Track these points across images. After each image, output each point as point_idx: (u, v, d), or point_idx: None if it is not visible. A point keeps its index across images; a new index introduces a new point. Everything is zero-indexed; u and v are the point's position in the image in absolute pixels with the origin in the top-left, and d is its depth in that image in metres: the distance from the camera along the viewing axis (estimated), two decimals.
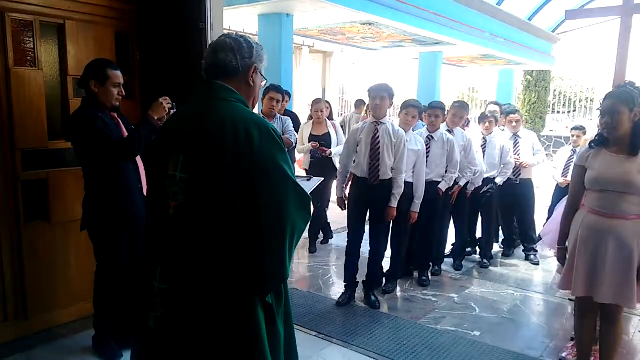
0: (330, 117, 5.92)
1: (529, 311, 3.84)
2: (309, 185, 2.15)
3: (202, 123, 1.51)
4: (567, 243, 2.71)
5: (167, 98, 2.66)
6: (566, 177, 4.98)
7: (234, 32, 1.78)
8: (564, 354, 3.07)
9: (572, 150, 5.18)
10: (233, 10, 6.28)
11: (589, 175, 2.54)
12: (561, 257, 2.76)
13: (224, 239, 1.47)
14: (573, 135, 5.27)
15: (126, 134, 2.71)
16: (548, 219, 4.31)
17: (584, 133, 5.24)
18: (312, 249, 5.15)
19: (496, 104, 5.62)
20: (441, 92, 11.29)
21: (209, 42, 3.09)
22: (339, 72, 14.63)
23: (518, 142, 5.05)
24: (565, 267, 2.70)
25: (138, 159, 2.74)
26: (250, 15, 6.69)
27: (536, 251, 5.12)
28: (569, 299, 3.85)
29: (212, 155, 1.47)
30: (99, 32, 3.20)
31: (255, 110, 4.63)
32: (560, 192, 5.04)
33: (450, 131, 4.44)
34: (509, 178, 4.87)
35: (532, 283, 4.50)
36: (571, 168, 4.92)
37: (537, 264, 5.00)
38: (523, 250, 5.24)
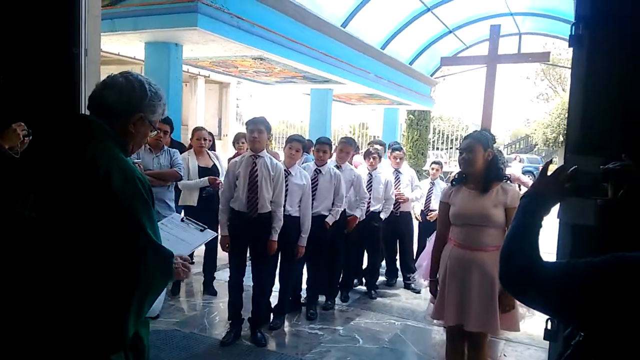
0: (212, 148, 5.82)
1: (408, 340, 4.01)
2: (201, 238, 1.90)
3: (60, 161, 1.38)
4: (437, 275, 2.88)
5: (22, 124, 2.41)
6: (428, 205, 5.48)
7: (132, 70, 1.62)
8: None
9: (430, 182, 5.67)
10: (117, 36, 6.01)
11: (452, 211, 2.76)
12: (433, 289, 2.92)
13: (67, 294, 1.32)
14: (432, 169, 5.76)
15: None
16: (421, 249, 4.60)
17: (442, 167, 5.83)
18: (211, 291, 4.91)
19: (379, 142, 5.95)
20: (332, 128, 11.75)
21: (82, 68, 2.89)
22: (235, 103, 14.57)
23: (399, 177, 5.39)
24: (437, 297, 2.86)
25: None
26: (137, 43, 6.45)
27: (414, 279, 5.42)
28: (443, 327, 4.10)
29: (64, 197, 1.34)
30: None
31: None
32: (425, 224, 5.53)
33: (338, 167, 4.59)
34: (391, 211, 5.14)
35: (412, 312, 4.71)
36: (432, 198, 5.46)
37: (419, 292, 5.28)
38: (403, 280, 5.51)
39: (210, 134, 5.94)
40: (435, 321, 3.18)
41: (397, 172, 5.42)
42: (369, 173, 5.04)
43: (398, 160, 5.43)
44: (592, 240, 1.73)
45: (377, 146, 5.58)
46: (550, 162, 1.65)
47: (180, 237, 1.83)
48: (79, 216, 1.32)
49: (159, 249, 1.42)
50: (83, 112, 2.49)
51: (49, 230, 1.34)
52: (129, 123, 1.51)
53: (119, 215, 1.33)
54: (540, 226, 1.25)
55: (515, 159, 19.69)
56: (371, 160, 5.03)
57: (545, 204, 1.28)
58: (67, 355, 1.33)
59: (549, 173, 1.33)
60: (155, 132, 1.62)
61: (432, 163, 5.91)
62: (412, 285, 5.37)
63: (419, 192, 5.52)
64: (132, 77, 1.53)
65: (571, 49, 1.81)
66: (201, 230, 1.94)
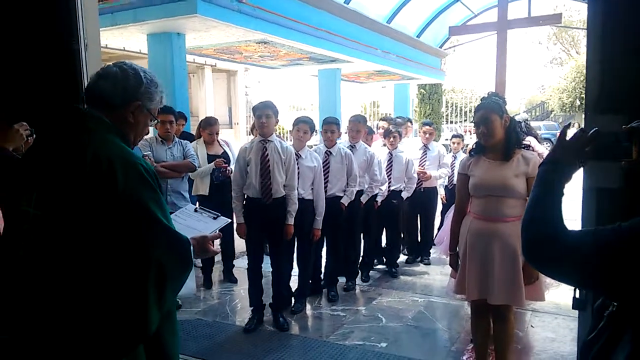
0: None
1: (432, 316, 3.97)
2: (214, 225, 1.87)
3: (60, 156, 1.35)
4: (457, 249, 2.82)
5: (25, 124, 2.39)
6: (452, 180, 5.29)
7: (128, 61, 1.60)
8: (464, 357, 3.19)
9: (452, 156, 5.53)
10: (119, 30, 5.96)
11: (472, 182, 2.67)
12: (454, 263, 2.86)
13: (75, 289, 1.30)
14: (453, 143, 5.62)
15: None
16: (441, 225, 4.52)
17: (463, 139, 5.64)
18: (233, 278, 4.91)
19: (387, 119, 5.84)
20: (343, 107, 11.62)
21: (83, 64, 2.84)
22: (245, 91, 14.51)
23: (426, 154, 5.27)
24: (459, 272, 2.80)
25: None
26: (139, 35, 6.40)
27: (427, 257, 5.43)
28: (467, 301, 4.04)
29: (67, 192, 1.31)
30: None
31: (151, 135, 4.27)
32: (449, 201, 5.34)
33: (352, 146, 4.51)
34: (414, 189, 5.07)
35: (434, 288, 4.66)
36: (455, 172, 5.32)
37: (429, 263, 5.34)
38: (421, 256, 5.46)
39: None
40: (458, 296, 3.13)
41: (425, 147, 5.31)
42: (389, 152, 4.95)
43: (427, 135, 5.32)
44: (618, 204, 1.65)
45: (399, 121, 5.50)
46: (569, 125, 1.55)
47: (194, 226, 1.82)
48: (84, 210, 1.29)
49: (174, 235, 1.40)
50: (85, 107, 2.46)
51: (55, 227, 1.31)
52: (127, 112, 1.48)
53: (126, 206, 1.30)
54: (562, 194, 1.17)
55: None
56: (391, 139, 4.94)
57: (566, 170, 1.20)
58: (85, 350, 1.31)
59: (567, 137, 1.25)
60: (156, 121, 1.59)
61: (452, 137, 5.77)
62: (425, 260, 5.39)
63: (446, 171, 5.35)
64: (125, 66, 1.50)
65: (585, 6, 1.70)
66: (214, 218, 1.93)
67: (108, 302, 1.30)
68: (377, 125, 5.44)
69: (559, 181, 1.17)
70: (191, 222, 1.86)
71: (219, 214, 1.93)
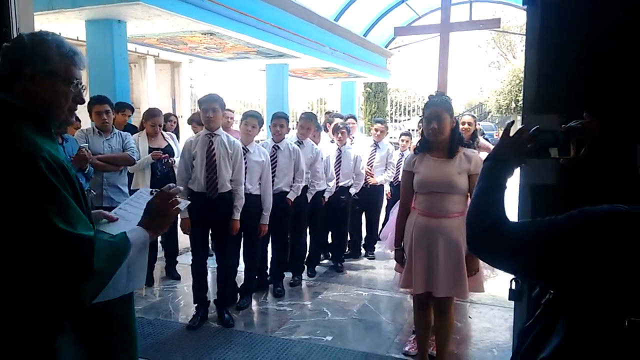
0: (176, 131, 5.60)
1: (376, 309, 4.05)
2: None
3: None
4: (402, 244, 2.88)
5: None
6: (398, 177, 5.35)
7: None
8: (406, 348, 3.27)
9: (400, 154, 5.64)
10: (54, 14, 5.63)
11: (416, 179, 2.75)
12: (399, 257, 2.92)
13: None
14: (402, 140, 5.75)
15: None
16: (385, 220, 4.61)
17: (411, 138, 5.77)
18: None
19: (336, 116, 5.89)
20: (290, 103, 11.57)
21: None
22: (189, 83, 14.12)
23: (376, 152, 5.33)
24: (405, 267, 2.86)
25: None
26: (77, 21, 6.06)
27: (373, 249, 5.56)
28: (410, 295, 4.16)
29: None
30: None
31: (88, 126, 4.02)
32: (394, 198, 5.45)
33: (300, 142, 4.50)
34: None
35: (378, 282, 4.76)
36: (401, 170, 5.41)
37: (373, 258, 5.46)
38: (366, 250, 5.57)
39: (174, 116, 5.66)
40: (401, 289, 3.21)
41: (375, 145, 5.37)
42: (338, 148, 4.98)
43: (379, 133, 5.37)
44: (553, 200, 1.74)
45: (352, 120, 5.57)
46: (512, 123, 1.63)
47: None
48: None
49: (68, 236, 1.18)
50: None
51: None
52: (24, 82, 1.29)
53: (12, 211, 1.15)
54: (505, 188, 1.23)
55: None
56: (339, 135, 4.96)
57: (508, 166, 1.26)
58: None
59: (510, 134, 1.31)
60: (78, 86, 1.38)
61: (401, 134, 5.87)
62: (369, 254, 5.51)
63: (390, 173, 5.39)
64: (14, 37, 1.36)
65: (523, 12, 1.79)
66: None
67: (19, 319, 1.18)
68: (323, 121, 5.46)
69: (502, 176, 1.23)
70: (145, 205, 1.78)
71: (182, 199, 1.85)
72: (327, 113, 6.06)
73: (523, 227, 1.10)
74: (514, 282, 1.87)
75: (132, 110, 5.06)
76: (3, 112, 1.24)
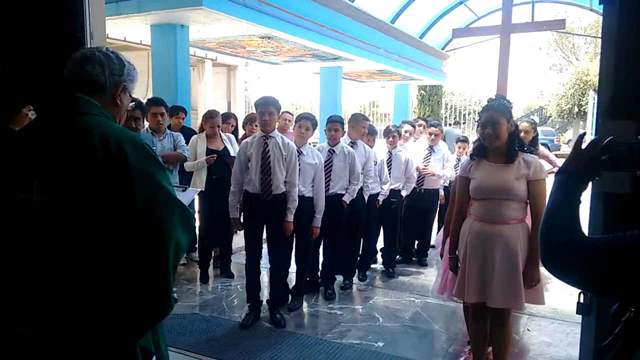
0: (235, 131, 5.70)
1: (429, 317, 3.96)
2: (185, 197, 2.00)
3: (63, 137, 1.33)
4: (457, 252, 2.80)
5: (31, 107, 2.38)
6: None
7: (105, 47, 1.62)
8: (461, 359, 3.18)
9: (456, 159, 5.49)
10: (122, 19, 5.92)
11: (472, 185, 2.66)
12: (453, 266, 2.84)
13: (96, 272, 1.29)
14: (459, 147, 5.60)
15: None
16: (440, 226, 4.50)
17: (468, 144, 5.60)
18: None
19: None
20: (343, 106, 11.58)
21: None
22: (244, 86, 14.44)
23: (430, 155, 5.24)
24: (459, 274, 2.78)
25: None
26: (142, 26, 6.35)
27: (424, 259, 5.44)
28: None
29: (77, 175, 1.29)
30: None
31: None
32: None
33: (353, 143, 4.49)
34: (413, 188, 5.06)
35: (430, 289, 4.65)
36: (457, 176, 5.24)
37: (426, 265, 5.35)
38: (419, 257, 5.46)
39: (234, 117, 5.76)
40: (454, 298, 3.12)
41: (430, 148, 5.28)
42: (389, 151, 4.95)
43: (433, 136, 5.26)
44: (628, 210, 1.64)
45: (408, 125, 5.55)
46: (584, 134, 1.54)
47: None
48: (96, 191, 1.29)
49: (185, 209, 1.44)
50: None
51: (66, 211, 1.29)
52: (115, 95, 1.49)
53: (140, 180, 1.32)
54: (580, 202, 1.17)
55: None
56: (390, 138, 4.94)
57: (582, 180, 1.19)
58: (111, 332, 1.32)
59: (583, 146, 1.24)
60: (134, 102, 1.63)
61: (457, 140, 5.73)
62: (422, 261, 5.40)
63: (450, 172, 5.22)
64: (104, 49, 1.51)
65: (588, 13, 1.69)
66: (183, 191, 2.07)
67: (130, 283, 1.31)
68: (390, 127, 5.35)
69: (576, 191, 1.16)
70: None
71: (187, 186, 2.04)
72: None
73: (604, 242, 1.03)
74: (582, 296, 1.77)
75: (186, 112, 5.21)
76: (95, 109, 1.43)
